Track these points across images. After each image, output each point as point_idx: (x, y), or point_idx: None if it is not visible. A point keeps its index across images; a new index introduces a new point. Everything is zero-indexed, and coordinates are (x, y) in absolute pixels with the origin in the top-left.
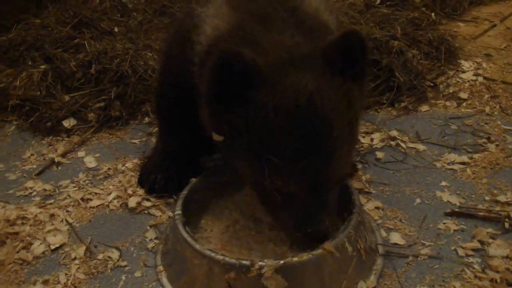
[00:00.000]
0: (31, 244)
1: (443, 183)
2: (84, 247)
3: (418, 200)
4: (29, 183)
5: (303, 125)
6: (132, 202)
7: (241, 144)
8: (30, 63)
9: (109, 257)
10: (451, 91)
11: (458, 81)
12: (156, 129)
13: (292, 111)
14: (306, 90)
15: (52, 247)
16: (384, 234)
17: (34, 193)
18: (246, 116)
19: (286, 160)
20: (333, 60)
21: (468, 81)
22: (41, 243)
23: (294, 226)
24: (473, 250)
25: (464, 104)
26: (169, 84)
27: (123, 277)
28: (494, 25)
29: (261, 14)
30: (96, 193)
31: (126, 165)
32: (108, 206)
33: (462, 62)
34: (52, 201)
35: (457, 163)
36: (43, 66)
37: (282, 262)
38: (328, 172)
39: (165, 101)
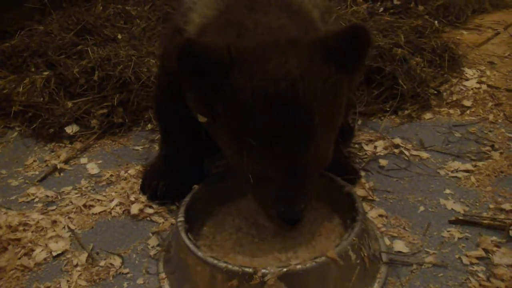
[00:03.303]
0: (33, 250)
1: (447, 191)
2: (86, 254)
3: (422, 208)
4: (32, 190)
5: (282, 111)
6: (134, 209)
7: (221, 125)
8: (33, 69)
9: (111, 264)
10: (454, 98)
11: (461, 89)
12: (159, 136)
13: (271, 96)
14: (289, 75)
15: (54, 253)
16: (387, 242)
17: (36, 199)
18: (223, 100)
19: (263, 144)
20: (332, 49)
21: (472, 89)
22: (43, 250)
23: (269, 203)
24: (477, 258)
25: (468, 111)
26: (166, 85)
27: (125, 284)
28: (498, 33)
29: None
30: (98, 200)
31: (129, 171)
32: (110, 212)
33: (466, 69)
34: (54, 207)
35: (461, 171)
36: (46, 73)
37: (285, 269)
38: (306, 159)
39: (164, 105)
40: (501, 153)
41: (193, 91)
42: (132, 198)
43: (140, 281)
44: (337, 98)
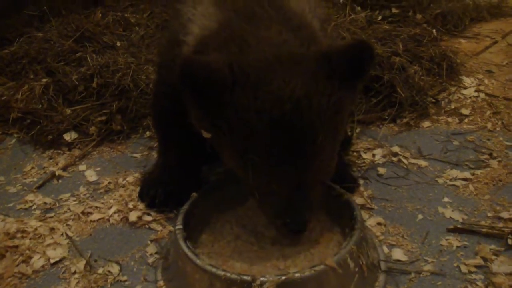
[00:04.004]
0: (30, 257)
1: (446, 199)
2: (84, 261)
3: (420, 216)
4: (30, 196)
5: (287, 132)
6: (132, 217)
7: (225, 142)
8: (32, 76)
9: (109, 271)
10: (453, 107)
11: (460, 97)
12: (157, 143)
13: (275, 117)
14: (293, 95)
15: (52, 261)
16: (386, 250)
17: (34, 206)
18: (227, 118)
19: (267, 161)
20: (336, 65)
21: (470, 97)
22: (40, 257)
23: (274, 214)
24: (476, 266)
25: (466, 120)
26: (163, 95)
27: None
28: (496, 42)
29: (248, 12)
30: (96, 207)
31: (127, 179)
32: (108, 220)
33: (464, 78)
34: (52, 214)
35: (459, 179)
36: (45, 79)
37: (283, 277)
38: (310, 175)
39: (162, 113)
40: (499, 161)
41: (196, 109)
42: (130, 206)
43: None
44: (340, 114)
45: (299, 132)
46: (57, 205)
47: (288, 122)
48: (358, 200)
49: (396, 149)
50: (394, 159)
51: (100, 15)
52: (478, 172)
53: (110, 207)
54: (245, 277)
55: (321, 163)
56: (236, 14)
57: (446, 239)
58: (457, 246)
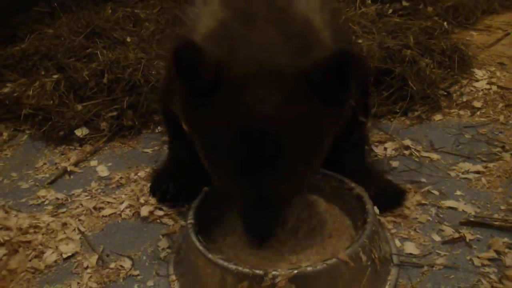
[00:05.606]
0: (43, 252)
1: (458, 192)
2: (96, 256)
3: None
4: (42, 192)
5: (253, 148)
6: (144, 211)
7: (196, 139)
8: (43, 72)
9: (121, 266)
10: (464, 100)
11: (471, 90)
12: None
13: (243, 131)
14: (263, 113)
15: (64, 256)
16: (398, 243)
17: (47, 201)
18: (203, 119)
19: (230, 171)
20: (315, 82)
21: (482, 90)
22: (53, 252)
23: (240, 217)
24: (489, 260)
25: (478, 113)
26: (172, 91)
27: (135, 286)
28: (508, 34)
29: (246, 12)
30: (108, 202)
31: (139, 174)
32: (120, 215)
33: (476, 71)
34: (64, 210)
35: (471, 172)
36: (56, 76)
37: (295, 271)
38: (275, 192)
39: (168, 109)
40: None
41: (181, 95)
42: (142, 201)
43: (150, 283)
44: (315, 134)
45: (265, 151)
46: (69, 200)
47: (254, 137)
48: None
49: (407, 142)
50: (406, 152)
51: (110, 11)
52: (490, 165)
53: (122, 202)
54: (257, 271)
55: (287, 183)
56: (235, 14)
57: (459, 232)
58: (470, 239)
